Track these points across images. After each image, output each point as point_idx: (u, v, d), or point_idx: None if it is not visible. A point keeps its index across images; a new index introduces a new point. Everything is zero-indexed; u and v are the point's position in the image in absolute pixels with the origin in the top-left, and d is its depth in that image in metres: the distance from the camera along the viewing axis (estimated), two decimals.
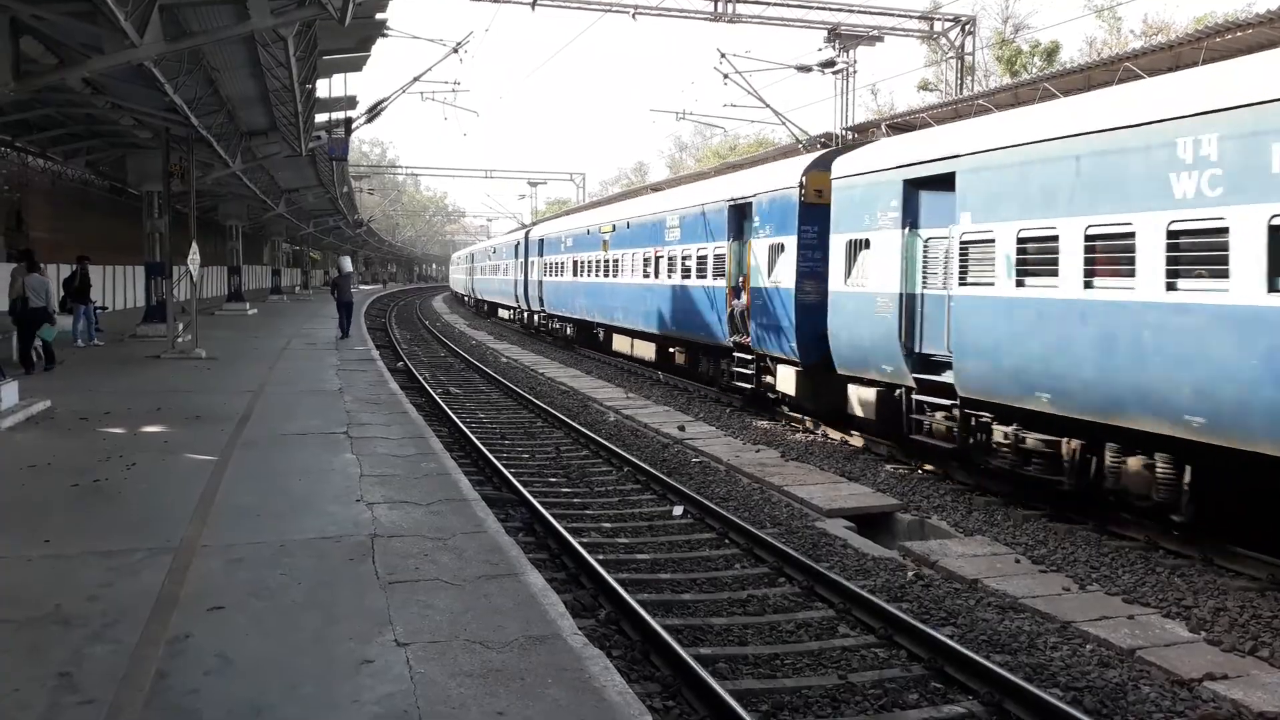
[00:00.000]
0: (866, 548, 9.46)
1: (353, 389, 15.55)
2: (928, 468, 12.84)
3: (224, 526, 7.32)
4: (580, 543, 8.83)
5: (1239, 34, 15.82)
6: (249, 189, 32.69)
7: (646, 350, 23.76)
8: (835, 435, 15.28)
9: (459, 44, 26.63)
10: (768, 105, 25.46)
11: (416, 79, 28.42)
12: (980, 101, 20.49)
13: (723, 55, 25.15)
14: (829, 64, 28.79)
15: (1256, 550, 8.74)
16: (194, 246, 20.17)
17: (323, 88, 22.33)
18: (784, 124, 26.48)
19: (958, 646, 6.58)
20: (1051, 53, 42.08)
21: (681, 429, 15.51)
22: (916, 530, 10.55)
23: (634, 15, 28.25)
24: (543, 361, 27.12)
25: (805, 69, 28.54)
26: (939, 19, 32.23)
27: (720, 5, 28.66)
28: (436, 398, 17.79)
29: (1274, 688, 6.26)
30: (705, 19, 28.94)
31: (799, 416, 16.52)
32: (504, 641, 5.23)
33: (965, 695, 6.22)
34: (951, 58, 32.15)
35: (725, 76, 25.54)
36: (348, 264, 28.49)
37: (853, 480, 12.23)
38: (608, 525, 10.18)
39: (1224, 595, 8.13)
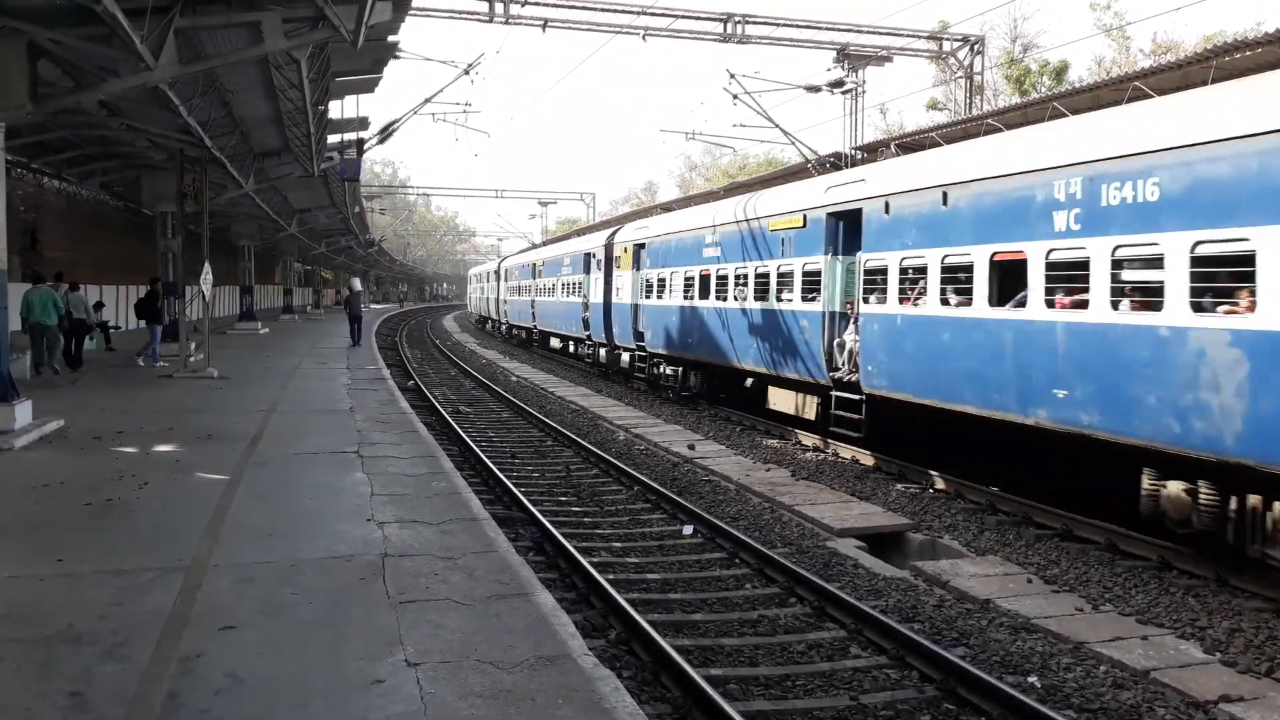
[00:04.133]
0: (878, 568, 9.41)
1: (364, 408, 15.59)
2: (939, 487, 12.78)
3: (235, 545, 7.34)
4: (590, 562, 8.82)
5: (1247, 53, 15.84)
6: (261, 209, 32.88)
7: None
8: (845, 454, 15.23)
9: (470, 66, 26.80)
10: (777, 125, 25.50)
11: (428, 100, 28.58)
12: (989, 121, 20.54)
13: (732, 76, 25.18)
14: (838, 84, 28.89)
15: None
16: (206, 266, 20.29)
17: (335, 109, 22.52)
18: (793, 144, 26.53)
19: (970, 668, 6.55)
20: (1060, 72, 42.16)
21: (691, 448, 15.49)
22: (928, 550, 10.50)
23: (644, 36, 28.43)
24: (553, 380, 27.14)
25: (814, 89, 28.62)
26: (948, 39, 32.34)
27: (729, 26, 28.85)
28: (447, 417, 17.82)
29: None
30: (715, 40, 29.14)
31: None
32: (514, 662, 5.23)
33: (978, 717, 6.18)
34: (960, 77, 32.23)
35: (734, 97, 25.56)
36: (358, 284, 34.86)
37: (864, 499, 12.19)
38: (618, 545, 10.16)
39: (1239, 616, 8.06)
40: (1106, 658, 7.10)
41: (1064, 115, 16.32)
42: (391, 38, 16.33)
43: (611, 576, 8.64)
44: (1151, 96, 14.06)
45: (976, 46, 31.71)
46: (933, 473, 13.01)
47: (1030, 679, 6.75)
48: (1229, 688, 6.53)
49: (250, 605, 6.03)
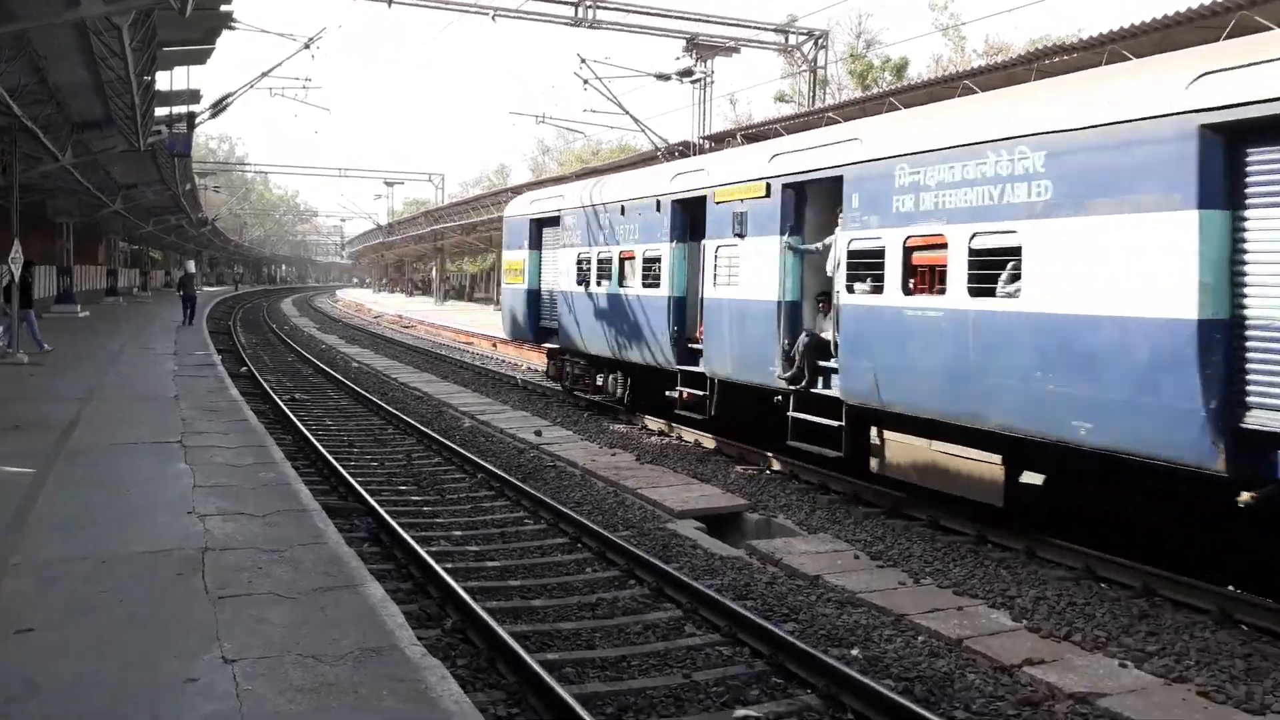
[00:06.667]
0: (715, 548, 9.62)
1: (190, 395, 14.86)
2: (775, 468, 13.16)
3: (40, 543, 6.89)
4: (428, 551, 8.67)
5: (1066, 57, 16.91)
6: (81, 184, 30.82)
7: None
8: (689, 437, 15.50)
9: (311, 39, 25.92)
10: (627, 112, 25.66)
11: (265, 74, 27.51)
12: (830, 114, 21.23)
13: (583, 60, 25.22)
14: (687, 73, 29.28)
15: None
16: (16, 244, 18.91)
17: (164, 80, 21.27)
18: (643, 131, 26.75)
19: (797, 642, 6.77)
20: (901, 68, 43.93)
21: (538, 434, 15.44)
22: (764, 529, 10.80)
23: (493, 17, 28.04)
24: (396, 366, 26.54)
25: (664, 77, 28.92)
26: (794, 32, 33.17)
27: (580, 10, 28.74)
28: (281, 404, 17.15)
29: (1085, 669, 6.68)
30: (566, 24, 28.98)
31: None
32: (339, 654, 5.09)
33: (804, 689, 6.40)
34: (805, 70, 33.13)
35: (585, 82, 25.59)
36: (191, 266, 36.47)
37: (704, 481, 12.43)
38: (458, 533, 10.03)
39: (1044, 585, 8.62)
40: (924, 628, 7.47)
41: (898, 109, 17.00)
42: (224, 7, 15.57)
43: (450, 565, 8.51)
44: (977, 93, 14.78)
45: (821, 41, 32.63)
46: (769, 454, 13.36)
47: (854, 651, 7.04)
48: (1032, 652, 6.98)
49: (53, 605, 5.67)
